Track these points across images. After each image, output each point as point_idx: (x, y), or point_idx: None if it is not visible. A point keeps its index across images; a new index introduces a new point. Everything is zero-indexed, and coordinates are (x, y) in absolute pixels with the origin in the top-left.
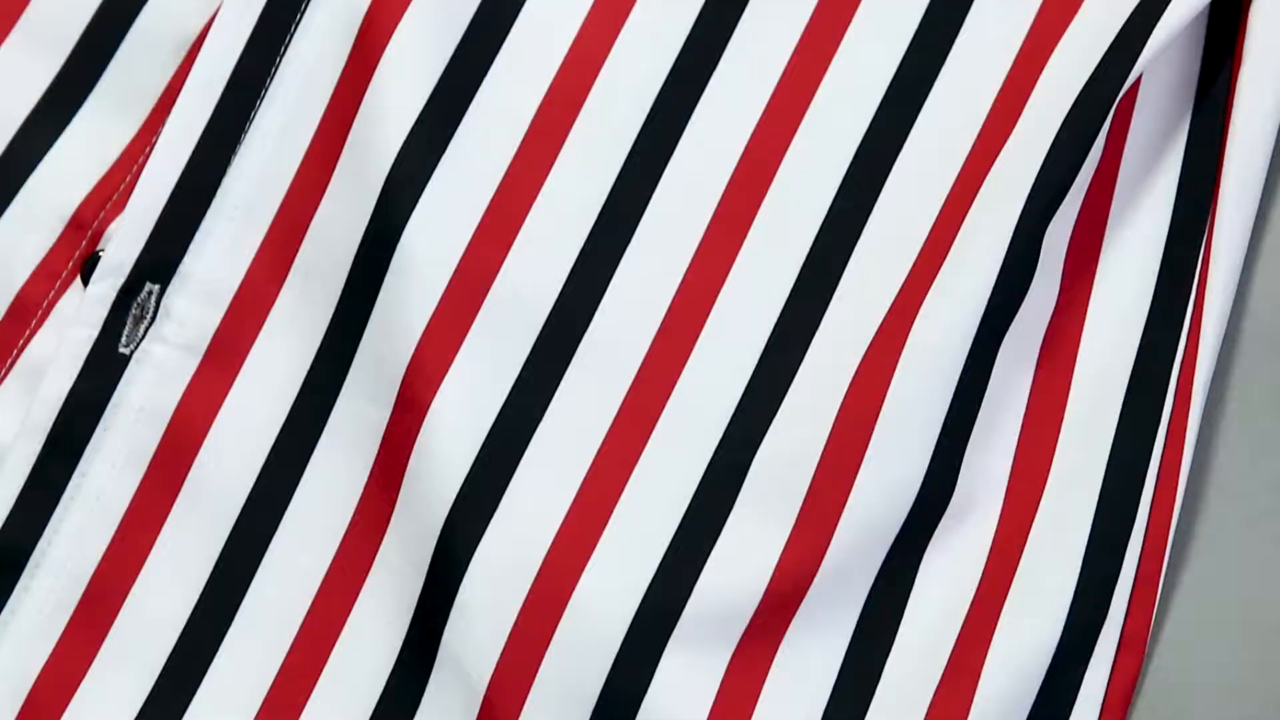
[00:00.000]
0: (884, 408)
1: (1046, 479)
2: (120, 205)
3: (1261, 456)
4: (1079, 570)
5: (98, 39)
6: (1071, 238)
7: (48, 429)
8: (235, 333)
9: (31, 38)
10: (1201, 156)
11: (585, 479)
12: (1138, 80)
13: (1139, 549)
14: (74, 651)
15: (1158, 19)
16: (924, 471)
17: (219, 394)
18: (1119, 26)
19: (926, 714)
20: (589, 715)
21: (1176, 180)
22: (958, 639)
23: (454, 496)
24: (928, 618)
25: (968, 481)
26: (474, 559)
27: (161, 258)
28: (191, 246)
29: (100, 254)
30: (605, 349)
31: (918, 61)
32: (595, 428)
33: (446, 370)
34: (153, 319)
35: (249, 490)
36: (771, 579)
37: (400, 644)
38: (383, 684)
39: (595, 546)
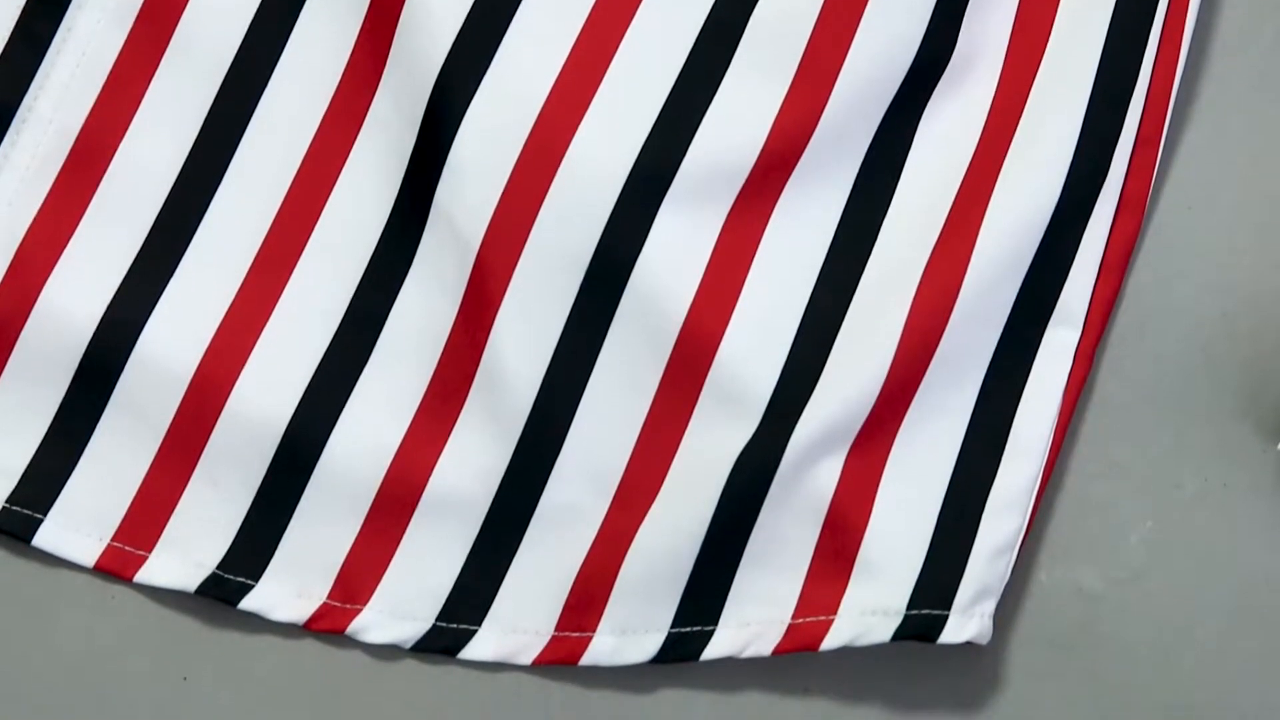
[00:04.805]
0: None
1: (1048, 38)
2: None
3: (1269, 17)
4: (1079, 129)
5: None
6: None
7: None
8: None
9: None
10: None
11: (579, 35)
12: None
13: (1140, 109)
14: (64, 206)
15: None
16: (924, 29)
17: None
18: None
19: (924, 271)
20: (582, 275)
21: None
22: (956, 196)
23: (446, 52)
24: (927, 175)
25: (968, 41)
26: (466, 117)
27: None
28: None
29: None
30: None
31: None
32: None
33: None
34: None
35: (238, 43)
36: (768, 137)
37: (392, 202)
38: (375, 241)
39: (589, 105)
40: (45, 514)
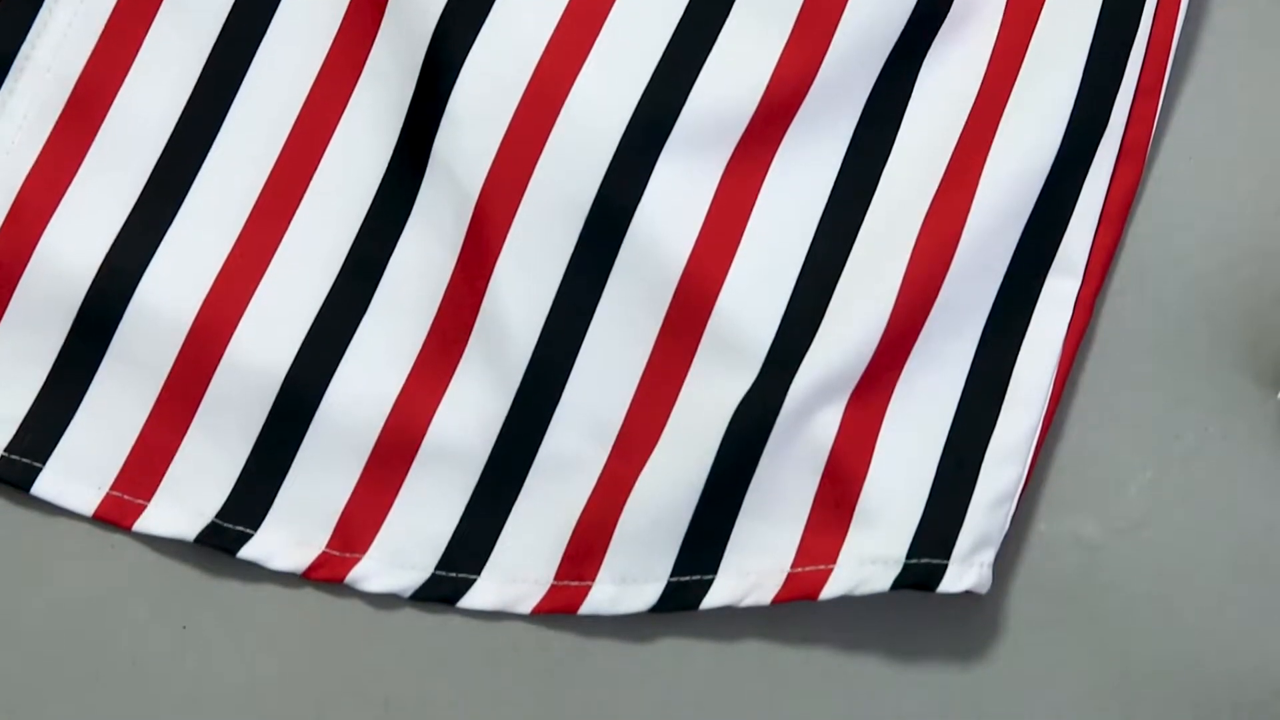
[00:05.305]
0: None
1: None
2: None
3: None
4: (1079, 79)
5: None
6: None
7: None
8: None
9: None
10: None
11: None
12: None
13: (1140, 59)
14: (62, 154)
15: None
16: None
17: None
18: None
19: (924, 220)
20: (581, 225)
21: None
22: (956, 146)
23: (444, 1)
24: (927, 124)
25: None
26: (464, 67)
27: None
28: None
29: None
30: None
31: None
32: None
33: None
34: None
35: None
36: (768, 87)
37: (390, 152)
38: (374, 191)
39: (588, 54)
40: (44, 463)
